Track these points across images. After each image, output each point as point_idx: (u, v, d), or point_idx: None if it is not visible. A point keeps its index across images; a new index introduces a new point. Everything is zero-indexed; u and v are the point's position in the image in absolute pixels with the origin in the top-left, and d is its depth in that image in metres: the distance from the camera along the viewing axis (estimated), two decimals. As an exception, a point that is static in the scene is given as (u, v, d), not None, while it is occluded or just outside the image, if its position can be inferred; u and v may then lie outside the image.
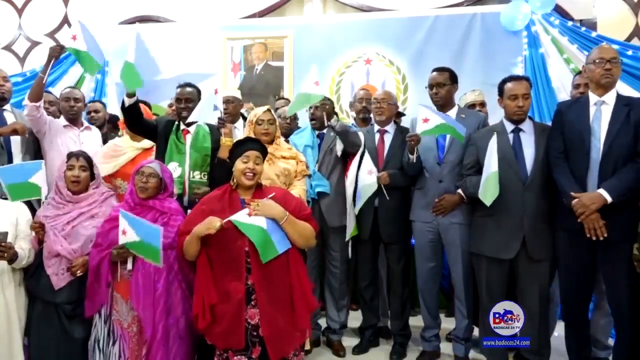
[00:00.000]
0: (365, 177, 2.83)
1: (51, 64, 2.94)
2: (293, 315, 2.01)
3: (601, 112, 2.31)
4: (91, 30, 3.02)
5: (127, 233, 2.10)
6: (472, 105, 3.21)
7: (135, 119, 2.71)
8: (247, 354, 1.99)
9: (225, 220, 1.97)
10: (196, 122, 2.82)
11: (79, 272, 2.25)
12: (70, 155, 2.41)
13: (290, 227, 2.01)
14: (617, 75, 2.35)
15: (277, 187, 2.36)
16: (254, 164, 2.08)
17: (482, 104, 3.23)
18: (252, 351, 1.99)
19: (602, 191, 2.19)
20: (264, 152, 2.18)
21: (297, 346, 2.05)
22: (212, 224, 1.96)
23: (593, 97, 2.36)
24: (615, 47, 3.65)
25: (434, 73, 2.86)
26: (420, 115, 2.60)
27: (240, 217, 1.98)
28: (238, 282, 1.99)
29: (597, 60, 2.33)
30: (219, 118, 2.71)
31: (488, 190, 2.38)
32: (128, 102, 2.60)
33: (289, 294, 2.02)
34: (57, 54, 2.97)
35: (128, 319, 2.21)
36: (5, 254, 2.16)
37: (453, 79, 2.85)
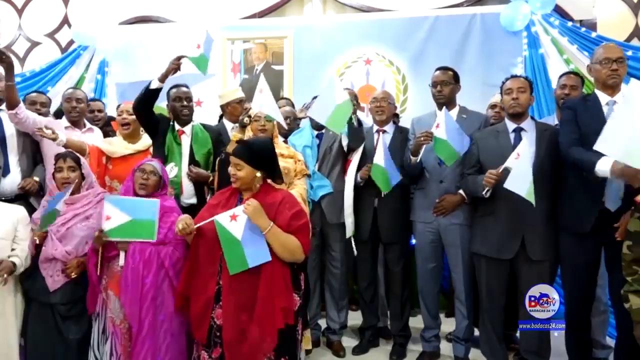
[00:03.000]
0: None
1: (10, 73, 2.81)
2: (259, 326, 1.93)
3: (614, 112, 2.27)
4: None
5: (113, 218, 2.13)
6: (493, 106, 3.21)
7: (149, 105, 2.70)
8: (209, 352, 2.01)
9: (196, 226, 2.01)
10: (191, 121, 2.82)
11: (73, 274, 2.26)
12: (57, 157, 2.38)
13: (272, 239, 1.96)
14: (624, 75, 2.33)
15: (281, 189, 2.34)
16: (235, 169, 2.05)
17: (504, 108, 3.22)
18: (213, 350, 2.00)
19: None
20: (251, 154, 2.06)
21: (260, 357, 1.96)
22: (178, 225, 2.00)
23: (603, 97, 2.33)
24: (616, 47, 3.65)
25: (438, 72, 2.86)
26: (438, 118, 2.62)
27: (223, 219, 1.97)
28: (212, 279, 2.02)
29: (603, 61, 2.30)
30: (248, 115, 2.68)
31: (531, 192, 2.30)
32: (156, 84, 2.59)
33: (258, 304, 1.95)
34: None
35: (120, 316, 2.21)
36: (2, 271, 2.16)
37: (456, 78, 2.86)
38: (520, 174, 2.30)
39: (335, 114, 2.62)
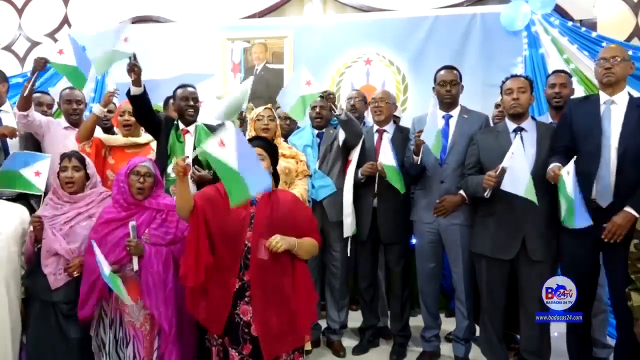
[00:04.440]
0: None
1: (35, 75, 2.86)
2: (292, 320, 2.01)
3: (610, 111, 2.31)
4: (84, 36, 2.94)
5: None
6: (498, 105, 3.20)
7: (142, 109, 2.69)
8: (238, 349, 2.00)
9: (185, 156, 1.98)
10: (195, 121, 2.82)
11: (75, 272, 2.25)
12: (63, 156, 2.38)
13: (301, 251, 2.04)
14: (622, 74, 2.34)
15: (285, 190, 2.34)
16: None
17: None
18: (243, 347, 2.00)
19: (629, 210, 2.18)
20: (271, 149, 2.17)
21: (289, 349, 2.04)
22: (176, 164, 1.92)
23: (603, 96, 2.37)
24: (616, 47, 3.65)
25: (445, 71, 2.85)
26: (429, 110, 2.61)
27: (212, 146, 1.81)
28: (232, 275, 2.00)
29: (599, 61, 2.37)
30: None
31: (531, 190, 2.30)
32: (134, 91, 2.58)
33: (289, 299, 2.01)
34: (41, 67, 2.83)
35: (140, 319, 2.21)
36: None
37: (460, 78, 2.86)
38: (515, 174, 2.31)
39: (299, 105, 2.72)
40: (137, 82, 2.58)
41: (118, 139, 2.94)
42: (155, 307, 2.12)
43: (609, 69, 2.32)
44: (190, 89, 2.83)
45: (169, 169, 2.67)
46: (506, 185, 2.33)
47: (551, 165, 2.32)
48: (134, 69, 2.55)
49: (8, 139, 2.94)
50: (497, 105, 3.23)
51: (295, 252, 2.02)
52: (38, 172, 2.25)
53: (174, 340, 2.16)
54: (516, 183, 2.31)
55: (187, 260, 1.96)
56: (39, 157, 2.32)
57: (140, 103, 2.65)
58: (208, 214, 2.00)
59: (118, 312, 2.23)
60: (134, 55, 2.55)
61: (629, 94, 2.36)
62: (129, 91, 2.62)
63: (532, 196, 2.28)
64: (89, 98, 4.33)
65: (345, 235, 2.96)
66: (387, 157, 2.73)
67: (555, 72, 3.07)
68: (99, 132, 3.28)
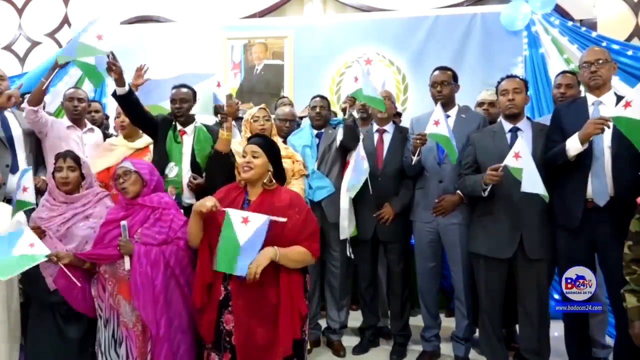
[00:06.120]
0: (359, 163, 2.75)
1: (55, 71, 2.86)
2: (275, 332, 1.97)
3: (599, 112, 2.33)
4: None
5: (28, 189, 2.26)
6: (481, 104, 3.20)
7: (131, 109, 2.68)
8: (220, 356, 2.02)
9: (222, 209, 1.97)
10: (194, 122, 2.82)
11: (60, 262, 2.13)
12: (57, 157, 2.37)
13: (283, 261, 1.96)
14: (607, 75, 2.37)
15: (287, 190, 2.33)
16: (251, 157, 2.07)
17: (492, 104, 3.15)
18: (223, 355, 2.02)
19: None
20: (269, 148, 2.13)
21: None
22: (204, 202, 1.97)
23: (590, 98, 2.40)
24: (616, 47, 3.66)
25: (437, 72, 2.86)
26: (434, 115, 2.58)
27: (235, 216, 1.93)
28: (217, 283, 2.02)
29: (583, 65, 2.40)
30: (221, 113, 2.68)
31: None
32: (120, 91, 2.57)
33: (274, 311, 1.97)
34: (60, 66, 2.80)
35: (132, 319, 2.20)
36: None
37: (455, 78, 2.86)
38: (531, 174, 2.29)
39: (369, 97, 2.75)
40: (119, 82, 2.55)
41: (117, 157, 2.91)
42: (142, 308, 2.11)
43: (595, 72, 2.34)
44: (182, 90, 2.80)
45: (167, 170, 2.67)
46: (526, 187, 2.31)
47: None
48: (112, 67, 2.51)
49: (15, 138, 2.94)
50: (480, 104, 3.21)
51: (278, 262, 1.95)
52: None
53: (163, 340, 2.13)
54: (534, 183, 2.29)
55: (197, 282, 2.08)
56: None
57: (127, 103, 2.64)
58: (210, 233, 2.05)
59: (114, 312, 2.23)
60: (112, 54, 2.52)
61: (616, 94, 2.38)
62: (114, 92, 2.60)
63: (546, 193, 2.29)
64: (89, 98, 4.32)
65: (341, 238, 2.93)
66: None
67: (563, 72, 3.08)
68: (99, 137, 3.28)
